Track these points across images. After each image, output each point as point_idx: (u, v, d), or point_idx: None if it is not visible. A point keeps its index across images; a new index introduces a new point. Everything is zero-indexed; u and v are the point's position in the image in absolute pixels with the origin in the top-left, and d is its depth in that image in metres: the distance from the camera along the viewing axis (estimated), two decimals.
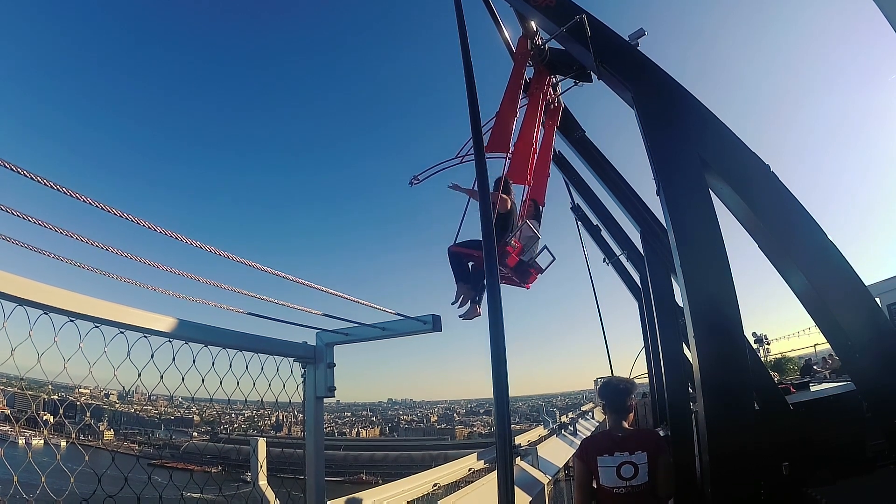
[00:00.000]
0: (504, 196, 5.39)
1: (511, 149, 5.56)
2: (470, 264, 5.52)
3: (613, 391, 3.35)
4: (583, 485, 3.17)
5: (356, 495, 3.48)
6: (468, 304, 5.56)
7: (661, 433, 5.75)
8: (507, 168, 5.59)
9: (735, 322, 2.98)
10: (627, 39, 4.06)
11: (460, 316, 5.61)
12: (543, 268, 6.04)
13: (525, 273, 5.84)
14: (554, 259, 6.13)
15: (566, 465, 7.74)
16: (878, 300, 5.34)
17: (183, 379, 2.05)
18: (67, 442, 2.28)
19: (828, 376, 9.95)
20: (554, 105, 6.53)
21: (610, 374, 10.45)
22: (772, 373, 6.99)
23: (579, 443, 3.46)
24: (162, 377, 1.99)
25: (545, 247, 6.06)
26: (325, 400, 2.85)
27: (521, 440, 7.17)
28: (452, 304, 5.55)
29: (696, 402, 3.66)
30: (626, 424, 3.22)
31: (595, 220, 9.20)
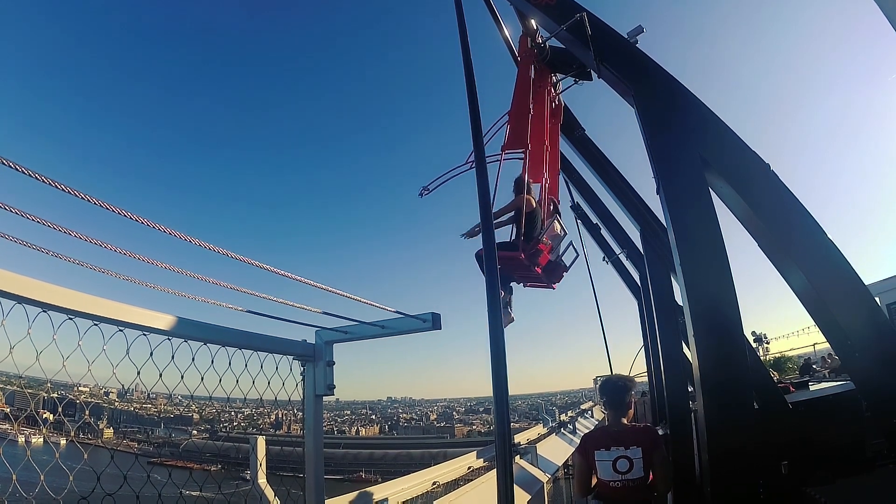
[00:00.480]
0: (529, 196, 5.36)
1: (529, 146, 5.52)
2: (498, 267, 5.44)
3: (613, 388, 3.45)
4: (582, 479, 3.32)
5: (356, 493, 3.48)
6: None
7: (661, 432, 5.76)
8: (526, 168, 5.54)
9: (735, 321, 2.98)
10: (626, 37, 4.05)
11: None
12: (568, 265, 6.00)
13: (553, 272, 5.79)
14: (578, 255, 6.09)
15: (565, 464, 7.75)
16: (877, 300, 5.34)
17: (182, 377, 2.05)
18: (67, 440, 2.28)
19: (827, 375, 9.96)
20: (555, 104, 6.52)
21: (609, 373, 10.44)
22: (771, 372, 6.99)
23: (579, 440, 3.52)
24: (161, 375, 1.98)
25: (571, 243, 6.04)
26: (325, 398, 2.84)
27: (521, 438, 7.18)
28: None
29: (695, 401, 3.67)
30: (624, 421, 3.33)
31: (594, 219, 9.18)
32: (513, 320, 5.62)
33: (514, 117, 5.54)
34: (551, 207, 6.04)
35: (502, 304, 5.45)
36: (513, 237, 5.45)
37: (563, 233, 5.96)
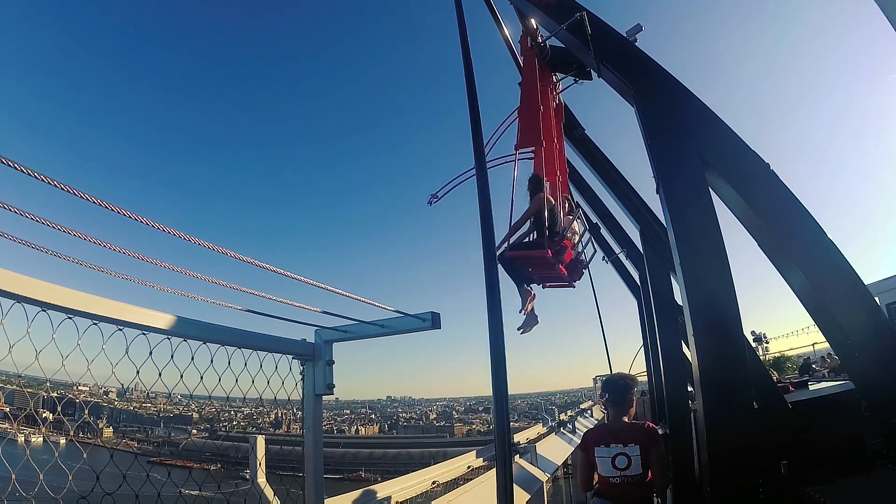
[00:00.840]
0: (548, 195, 5.31)
1: (543, 143, 5.45)
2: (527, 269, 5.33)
3: (614, 386, 3.51)
4: (584, 474, 3.40)
5: (355, 493, 3.48)
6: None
7: (661, 431, 5.77)
8: (541, 165, 5.50)
9: (734, 321, 2.99)
10: (625, 36, 4.05)
11: (519, 329, 5.48)
12: (587, 262, 5.95)
13: (575, 269, 5.73)
14: (595, 251, 6.02)
15: (565, 463, 7.76)
16: (877, 299, 5.34)
17: (182, 376, 2.05)
18: (66, 439, 2.28)
19: (826, 375, 9.97)
20: (556, 103, 6.51)
21: (609, 373, 10.41)
22: (771, 371, 6.98)
23: (579, 440, 3.55)
24: (161, 374, 1.98)
25: (591, 239, 5.98)
26: (324, 397, 2.85)
27: (520, 438, 7.19)
28: (520, 311, 5.43)
29: (694, 400, 3.67)
30: (625, 419, 3.38)
31: (594, 219, 9.18)
32: (537, 322, 5.53)
33: (525, 114, 5.43)
34: (566, 205, 5.96)
35: (530, 309, 5.42)
36: (533, 237, 5.34)
37: (581, 230, 5.92)
